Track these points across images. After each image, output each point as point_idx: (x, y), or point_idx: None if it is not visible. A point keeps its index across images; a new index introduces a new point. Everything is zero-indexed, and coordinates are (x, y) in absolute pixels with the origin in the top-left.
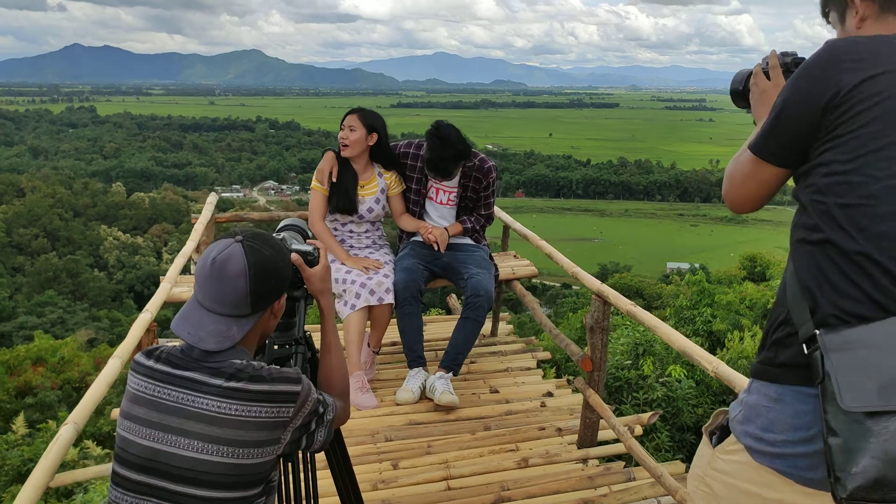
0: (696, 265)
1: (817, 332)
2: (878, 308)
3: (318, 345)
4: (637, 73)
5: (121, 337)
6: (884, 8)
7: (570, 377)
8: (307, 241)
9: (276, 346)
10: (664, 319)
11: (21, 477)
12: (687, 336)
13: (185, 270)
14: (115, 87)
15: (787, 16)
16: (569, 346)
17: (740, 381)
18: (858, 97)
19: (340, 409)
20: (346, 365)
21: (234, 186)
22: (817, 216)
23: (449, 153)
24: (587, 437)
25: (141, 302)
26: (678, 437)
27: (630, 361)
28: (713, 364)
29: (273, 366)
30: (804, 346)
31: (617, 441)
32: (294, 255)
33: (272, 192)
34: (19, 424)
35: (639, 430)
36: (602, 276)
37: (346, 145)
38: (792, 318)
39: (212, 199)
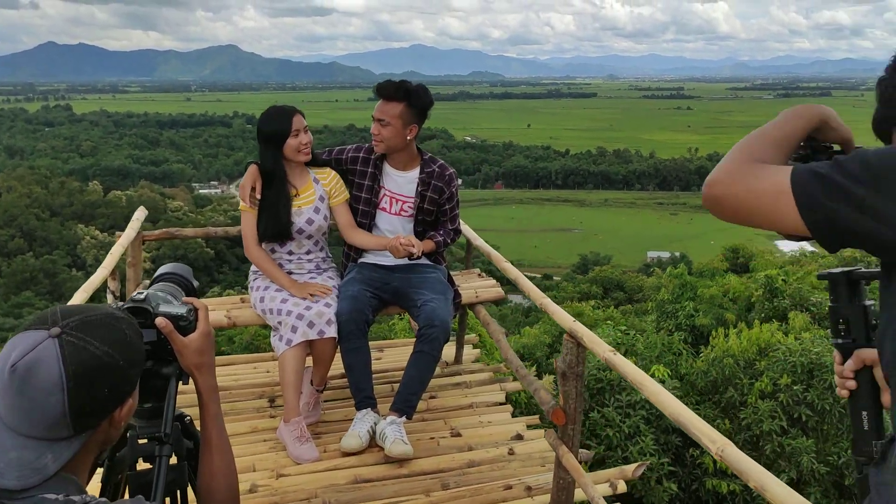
0: (677, 254)
1: None
2: None
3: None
4: (614, 63)
5: None
6: None
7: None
8: (185, 298)
9: (141, 441)
10: (646, 314)
11: None
12: (670, 332)
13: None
14: (90, 84)
15: (763, 3)
16: (538, 391)
17: (754, 471)
18: None
19: None
20: (235, 465)
21: (211, 183)
22: None
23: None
24: (561, 500)
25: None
26: (663, 439)
27: None
28: (717, 444)
29: (103, 499)
30: None
31: None
32: (160, 320)
33: None
34: None
35: (622, 487)
36: (583, 266)
37: None
38: None
39: (139, 214)
